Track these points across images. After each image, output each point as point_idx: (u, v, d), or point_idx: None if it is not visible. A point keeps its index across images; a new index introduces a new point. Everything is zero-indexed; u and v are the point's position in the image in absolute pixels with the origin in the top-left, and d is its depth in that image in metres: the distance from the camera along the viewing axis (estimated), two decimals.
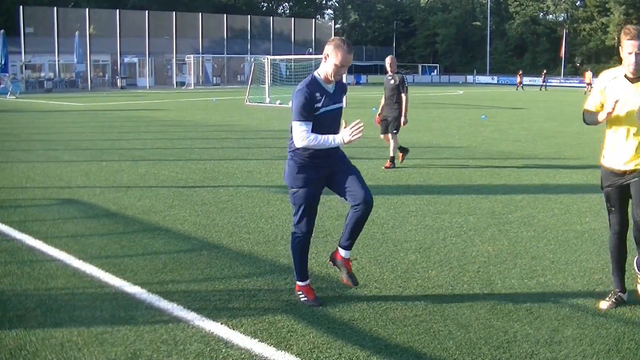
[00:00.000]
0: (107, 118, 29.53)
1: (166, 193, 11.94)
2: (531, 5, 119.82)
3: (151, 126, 25.89)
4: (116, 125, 25.76)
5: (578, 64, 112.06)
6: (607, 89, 6.22)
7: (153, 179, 13.41)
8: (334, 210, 10.34)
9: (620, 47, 6.11)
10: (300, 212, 6.35)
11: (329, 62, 6.13)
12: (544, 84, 79.68)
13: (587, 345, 5.60)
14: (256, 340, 5.55)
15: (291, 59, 57.54)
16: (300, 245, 6.44)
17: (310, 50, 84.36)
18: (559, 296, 6.84)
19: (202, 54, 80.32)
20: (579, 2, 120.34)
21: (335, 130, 6.28)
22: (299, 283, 6.56)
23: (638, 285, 6.39)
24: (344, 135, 6.03)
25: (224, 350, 5.35)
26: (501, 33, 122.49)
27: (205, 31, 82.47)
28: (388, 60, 15.50)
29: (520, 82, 78.98)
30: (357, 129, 5.99)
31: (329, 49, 6.12)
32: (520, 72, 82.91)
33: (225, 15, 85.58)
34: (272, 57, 48.28)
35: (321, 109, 6.14)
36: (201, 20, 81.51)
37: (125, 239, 8.80)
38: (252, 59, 56.97)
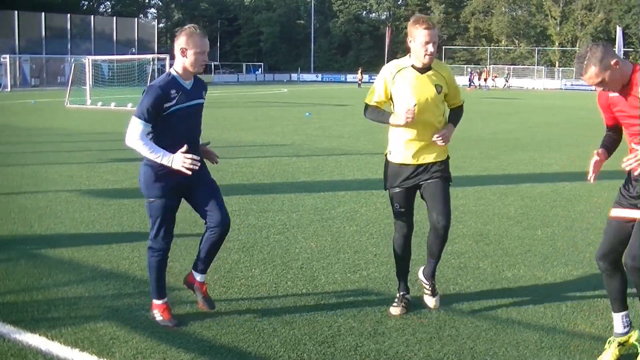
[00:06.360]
0: None
1: None
2: (355, 4, 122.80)
3: None
4: None
5: None
6: (396, 81, 6.00)
7: None
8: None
9: (410, 38, 5.87)
10: (157, 225, 5.92)
11: (189, 54, 5.67)
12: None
13: (409, 334, 5.80)
14: (77, 349, 5.39)
15: (114, 60, 56.32)
16: (158, 261, 6.00)
17: (134, 50, 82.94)
18: (382, 289, 7.05)
19: (19, 54, 77.14)
20: (400, 1, 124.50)
21: (192, 127, 5.93)
22: (155, 301, 6.08)
23: (425, 295, 6.39)
24: (176, 162, 5.61)
25: None
26: (325, 31, 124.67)
27: (22, 30, 79.23)
28: None
29: (362, 79, 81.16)
30: (192, 161, 5.59)
31: (182, 41, 5.67)
32: (360, 69, 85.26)
33: (43, 13, 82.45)
34: (94, 57, 47.02)
35: (175, 107, 5.70)
36: (17, 19, 78.28)
37: None
38: (73, 60, 55.26)
